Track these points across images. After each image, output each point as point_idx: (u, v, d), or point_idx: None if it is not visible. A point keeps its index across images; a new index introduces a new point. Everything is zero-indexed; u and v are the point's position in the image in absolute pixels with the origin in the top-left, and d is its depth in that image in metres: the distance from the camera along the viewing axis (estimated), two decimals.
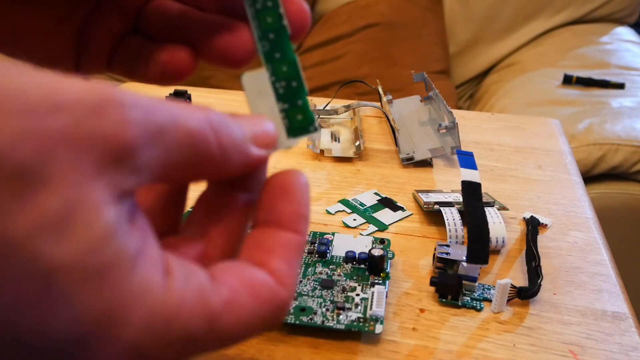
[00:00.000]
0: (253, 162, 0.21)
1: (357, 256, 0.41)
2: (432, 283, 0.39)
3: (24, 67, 0.15)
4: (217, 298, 0.18)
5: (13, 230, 0.14)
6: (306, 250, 0.42)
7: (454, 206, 0.47)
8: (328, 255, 0.42)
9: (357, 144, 0.60)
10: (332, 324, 0.35)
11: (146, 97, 0.17)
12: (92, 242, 0.15)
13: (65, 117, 0.15)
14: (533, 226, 0.47)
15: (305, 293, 0.38)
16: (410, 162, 0.58)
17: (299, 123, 0.24)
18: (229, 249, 0.22)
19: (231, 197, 0.22)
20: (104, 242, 0.15)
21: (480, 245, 0.39)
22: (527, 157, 0.60)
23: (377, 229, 0.47)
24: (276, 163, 0.57)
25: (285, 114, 0.24)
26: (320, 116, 0.67)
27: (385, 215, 0.49)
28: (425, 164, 0.58)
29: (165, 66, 0.25)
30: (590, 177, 1.05)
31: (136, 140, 0.16)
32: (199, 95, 0.76)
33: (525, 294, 0.39)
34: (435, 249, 0.42)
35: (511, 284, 0.38)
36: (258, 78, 0.24)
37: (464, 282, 0.39)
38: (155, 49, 0.25)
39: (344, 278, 0.39)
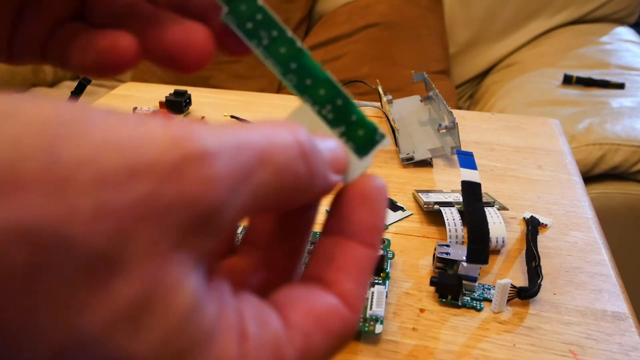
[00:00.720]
0: (331, 188, 0.19)
1: None
2: (432, 283, 0.39)
3: (96, 117, 0.13)
4: (291, 353, 0.17)
5: (88, 326, 0.13)
6: (307, 251, 0.42)
7: (454, 206, 0.47)
8: None
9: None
10: None
11: (230, 132, 0.15)
12: (172, 327, 0.14)
13: (143, 185, 0.13)
14: (533, 226, 0.47)
15: None
16: (410, 162, 0.58)
17: (364, 138, 0.22)
18: (291, 269, 0.21)
19: (288, 215, 0.21)
20: (183, 324, 0.14)
21: (480, 245, 0.39)
22: (527, 157, 0.60)
23: None
24: None
25: (346, 137, 0.22)
26: None
27: None
28: (425, 164, 0.58)
29: (103, 54, 0.22)
30: (590, 177, 1.05)
31: (222, 198, 0.14)
32: (199, 95, 0.76)
33: (525, 294, 0.39)
34: (435, 249, 0.42)
35: (511, 284, 0.38)
36: (301, 114, 0.22)
37: (464, 282, 0.39)
38: (94, 35, 0.22)
39: None
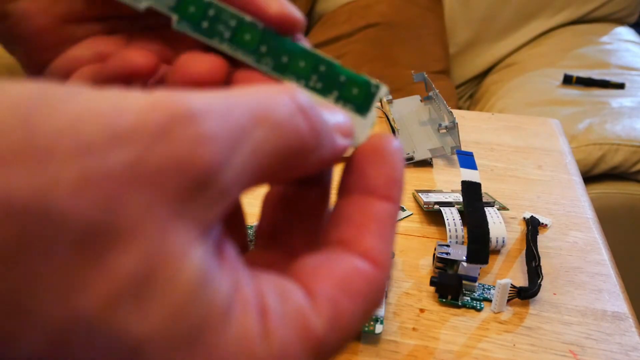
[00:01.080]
0: (340, 152, 0.18)
1: None
2: (432, 283, 0.39)
3: (73, 90, 0.13)
4: (319, 323, 0.16)
5: (88, 305, 0.12)
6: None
7: (454, 206, 0.47)
8: None
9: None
10: None
11: (217, 94, 0.15)
12: (180, 302, 0.13)
13: (129, 150, 0.12)
14: (533, 226, 0.47)
15: None
16: (410, 162, 0.58)
17: (360, 95, 0.21)
18: (310, 248, 0.19)
19: (301, 195, 0.20)
20: (192, 299, 0.13)
21: (480, 245, 0.39)
22: (527, 157, 0.60)
23: None
24: None
25: (342, 101, 0.21)
26: None
27: None
28: (425, 164, 0.58)
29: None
30: (590, 177, 1.05)
31: (217, 157, 0.13)
32: None
33: (525, 294, 0.39)
34: (435, 249, 0.42)
35: (511, 284, 0.38)
36: None
37: (464, 282, 0.39)
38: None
39: None
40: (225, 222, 0.16)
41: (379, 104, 0.68)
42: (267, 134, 0.15)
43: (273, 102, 0.15)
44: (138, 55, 0.22)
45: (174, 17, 0.21)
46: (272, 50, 0.21)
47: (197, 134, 0.13)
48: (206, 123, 0.13)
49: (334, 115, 0.18)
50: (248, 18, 0.21)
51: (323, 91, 0.21)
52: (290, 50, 0.21)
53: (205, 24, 0.21)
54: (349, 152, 0.19)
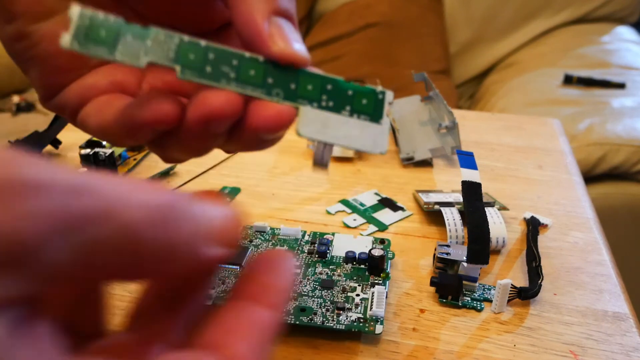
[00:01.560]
0: (204, 264, 0.16)
1: (357, 256, 0.41)
2: (432, 283, 0.39)
3: None
4: None
5: None
6: (306, 251, 0.42)
7: (454, 206, 0.47)
8: (328, 255, 0.41)
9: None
10: (332, 325, 0.35)
11: (75, 173, 0.13)
12: None
13: None
14: (533, 226, 0.47)
15: (305, 293, 0.38)
16: (411, 162, 0.58)
17: (370, 105, 0.22)
18: (184, 340, 0.18)
19: (170, 283, 0.19)
20: None
21: (480, 246, 0.39)
22: (527, 157, 0.60)
23: (377, 229, 0.47)
24: (276, 162, 0.57)
25: (356, 113, 0.22)
26: None
27: (385, 216, 0.49)
28: (426, 164, 0.58)
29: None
30: (591, 177, 1.05)
31: (33, 240, 0.12)
32: None
33: (525, 294, 0.39)
34: (435, 249, 0.42)
35: (512, 284, 0.38)
36: (308, 118, 0.22)
37: (464, 282, 0.39)
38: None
39: (344, 278, 0.39)
40: (69, 302, 0.14)
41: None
42: (107, 234, 0.13)
43: (130, 201, 0.14)
44: (166, 103, 0.22)
45: (177, 68, 0.21)
46: (278, 80, 0.22)
47: (19, 207, 0.12)
48: (41, 200, 0.12)
49: (217, 216, 0.17)
50: (247, 54, 0.21)
51: (335, 108, 0.22)
52: (296, 76, 0.22)
53: (208, 69, 0.21)
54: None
